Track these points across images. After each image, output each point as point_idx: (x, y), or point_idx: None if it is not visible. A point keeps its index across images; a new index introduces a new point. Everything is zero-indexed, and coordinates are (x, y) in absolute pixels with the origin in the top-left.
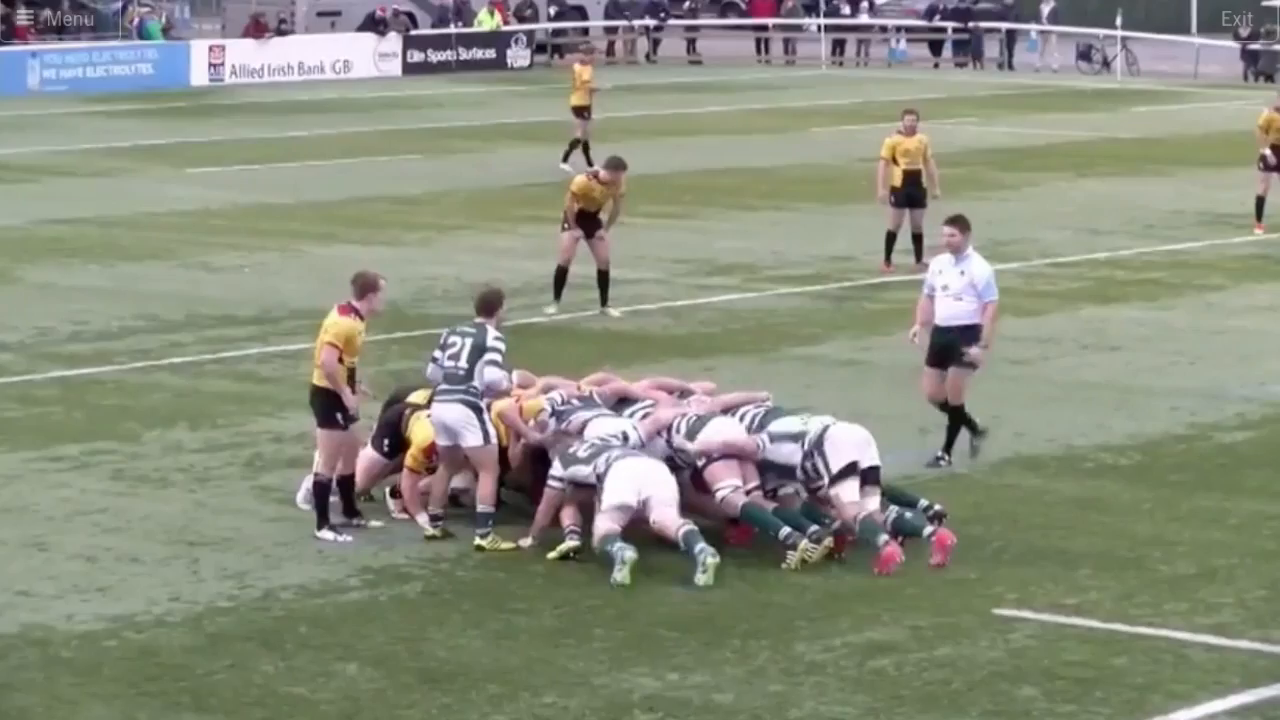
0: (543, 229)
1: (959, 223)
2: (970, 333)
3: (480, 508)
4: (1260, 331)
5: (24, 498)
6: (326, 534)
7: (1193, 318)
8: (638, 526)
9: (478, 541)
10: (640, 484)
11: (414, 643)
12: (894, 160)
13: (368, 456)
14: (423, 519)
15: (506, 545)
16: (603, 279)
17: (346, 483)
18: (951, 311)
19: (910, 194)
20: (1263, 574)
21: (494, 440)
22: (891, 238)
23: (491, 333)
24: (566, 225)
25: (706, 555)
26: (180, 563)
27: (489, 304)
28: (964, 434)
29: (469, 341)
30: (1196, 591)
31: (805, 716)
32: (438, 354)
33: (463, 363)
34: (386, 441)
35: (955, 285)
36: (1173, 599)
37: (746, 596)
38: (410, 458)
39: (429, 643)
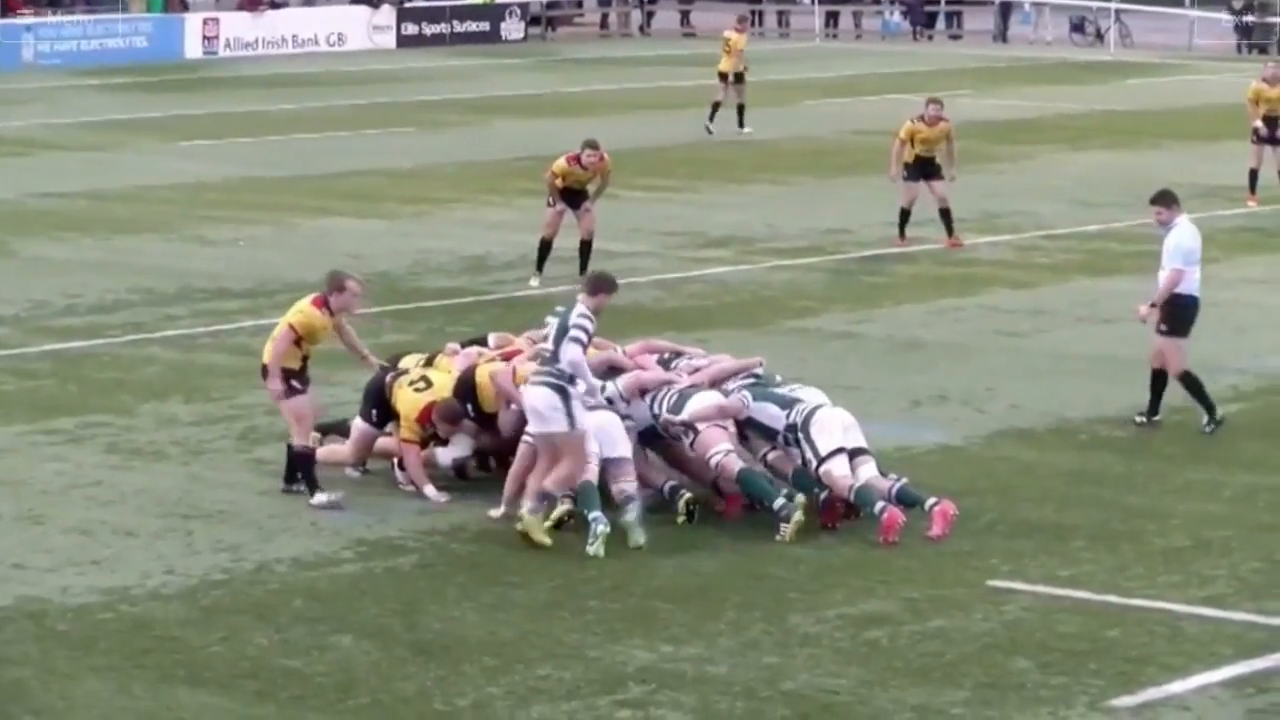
0: (537, 202)
1: (1160, 200)
2: (1167, 301)
3: (547, 486)
4: (1253, 304)
5: (18, 471)
6: (320, 498)
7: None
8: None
9: (522, 512)
10: (599, 436)
11: (408, 615)
12: (910, 142)
13: (358, 428)
14: (429, 490)
15: (539, 535)
16: (585, 249)
17: (292, 451)
18: (1159, 280)
19: (924, 169)
20: (1257, 546)
21: (580, 426)
22: (905, 214)
23: (578, 311)
24: (551, 201)
25: (632, 514)
26: (175, 536)
27: (592, 285)
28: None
29: (557, 322)
30: (1191, 564)
31: (799, 688)
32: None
33: (550, 344)
34: (374, 411)
35: (1162, 255)
36: (1167, 571)
37: (740, 569)
38: (405, 430)
39: (423, 615)
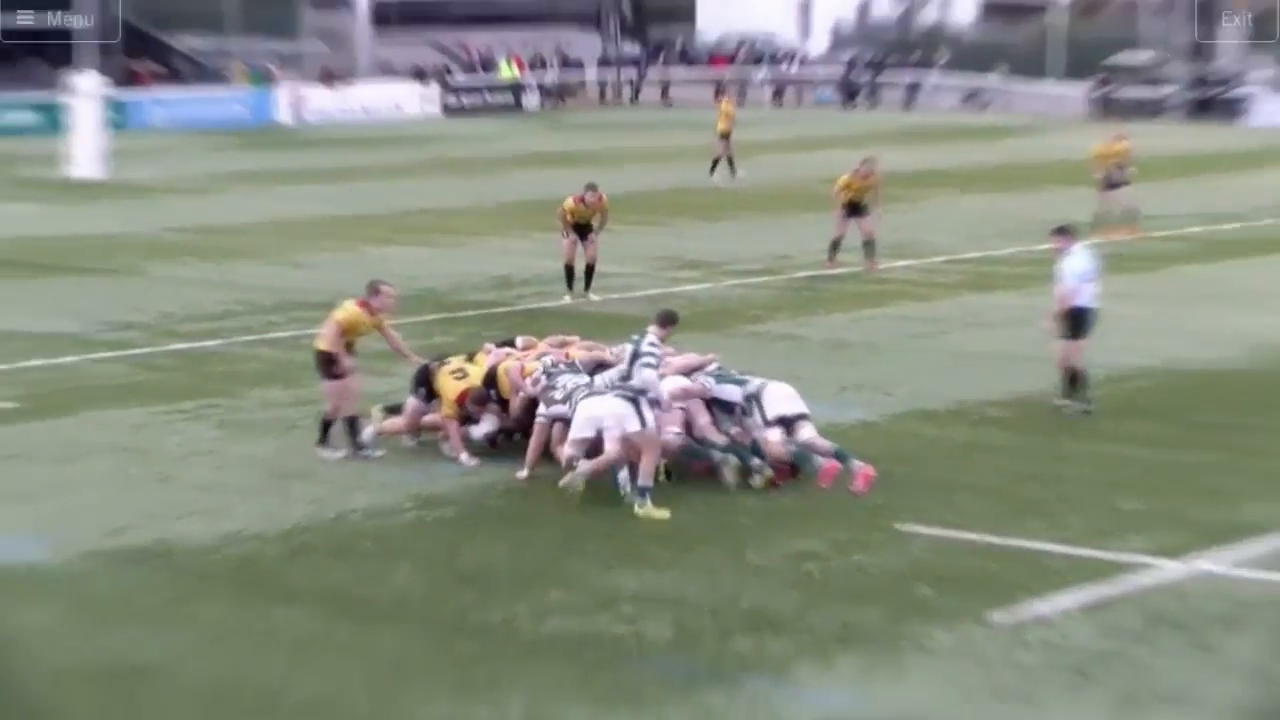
0: (550, 235)
1: (1059, 233)
2: (1067, 313)
3: (641, 482)
4: (1109, 313)
5: (151, 442)
6: (325, 452)
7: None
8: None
9: (636, 510)
10: (597, 419)
11: (452, 552)
12: (845, 189)
13: (409, 404)
14: (464, 457)
15: (659, 514)
16: (589, 271)
17: (353, 421)
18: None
19: (854, 209)
20: (1104, 500)
21: (652, 425)
22: (836, 243)
23: (647, 339)
24: (565, 233)
25: (626, 486)
26: (272, 492)
27: (663, 319)
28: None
29: (630, 349)
30: (1053, 513)
31: (752, 608)
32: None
33: (624, 365)
34: (422, 390)
35: (1059, 276)
36: (1035, 519)
37: (708, 517)
38: (446, 409)
39: (463, 552)
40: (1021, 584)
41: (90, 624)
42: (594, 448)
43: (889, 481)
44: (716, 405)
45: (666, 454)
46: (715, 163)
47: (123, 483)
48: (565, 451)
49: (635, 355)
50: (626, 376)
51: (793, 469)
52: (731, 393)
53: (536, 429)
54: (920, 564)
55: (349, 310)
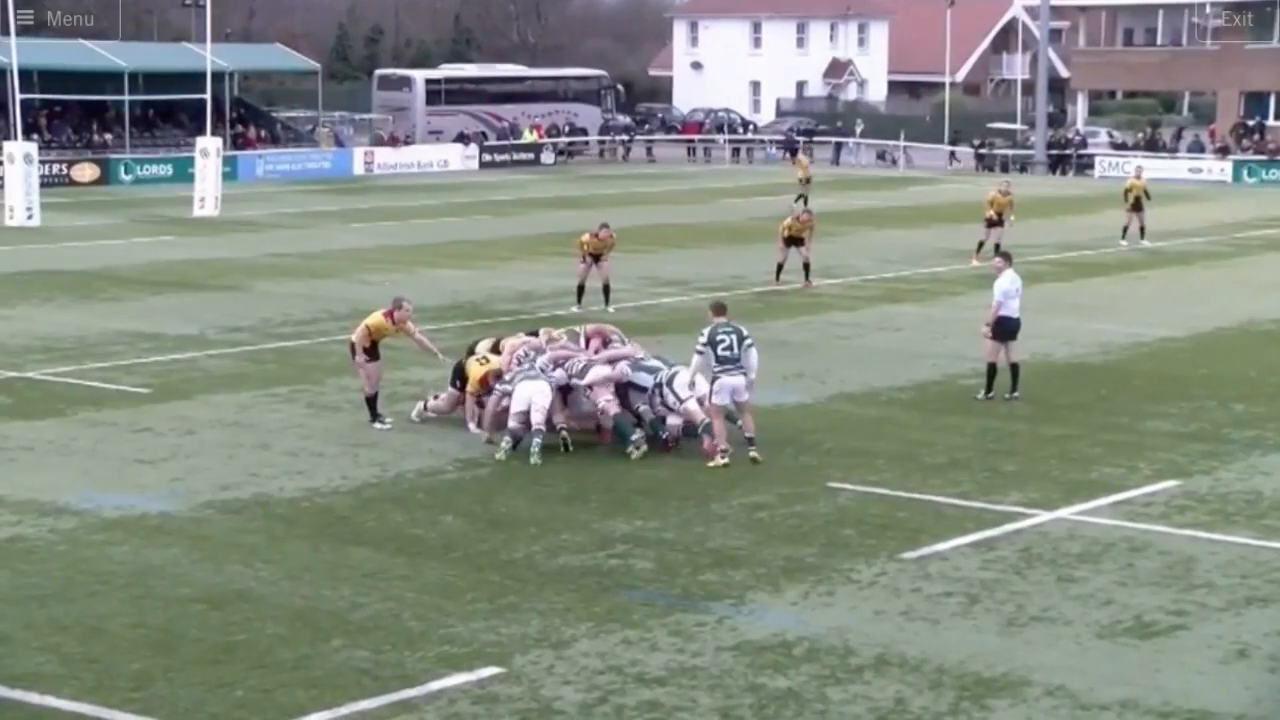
0: (562, 260)
1: (1001, 257)
2: (996, 320)
3: (748, 434)
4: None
5: (254, 418)
6: (377, 425)
7: (945, 312)
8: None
9: (752, 455)
10: (529, 397)
11: (485, 503)
12: (787, 228)
13: (449, 392)
14: (472, 426)
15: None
16: (605, 290)
17: (372, 399)
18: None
19: (794, 241)
20: (985, 463)
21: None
22: (780, 267)
23: (744, 329)
24: (582, 258)
25: (533, 445)
26: (347, 456)
27: (725, 306)
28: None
29: (734, 337)
30: (948, 473)
31: (717, 547)
32: (705, 348)
33: (736, 350)
34: (457, 381)
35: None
36: (933, 477)
37: (681, 476)
38: (471, 387)
39: (494, 503)
40: (924, 528)
41: (204, 559)
42: (524, 417)
43: (820, 448)
44: (632, 387)
45: (603, 420)
46: (804, 200)
47: (231, 450)
48: (511, 421)
49: (743, 338)
50: (739, 357)
51: (681, 435)
52: (645, 379)
53: (493, 398)
54: (845, 512)
55: (376, 319)
